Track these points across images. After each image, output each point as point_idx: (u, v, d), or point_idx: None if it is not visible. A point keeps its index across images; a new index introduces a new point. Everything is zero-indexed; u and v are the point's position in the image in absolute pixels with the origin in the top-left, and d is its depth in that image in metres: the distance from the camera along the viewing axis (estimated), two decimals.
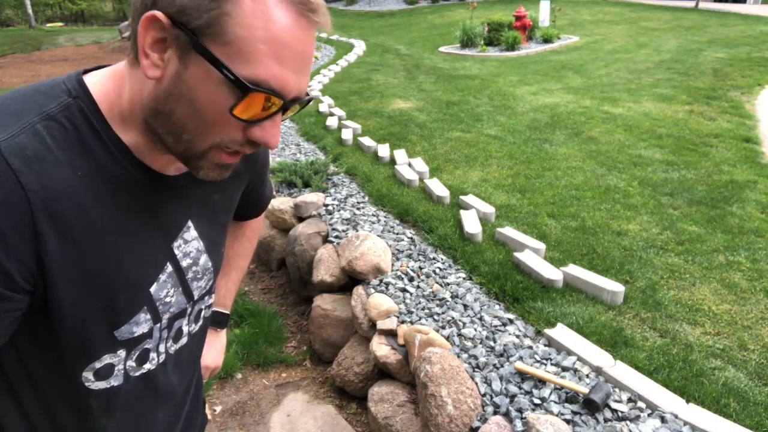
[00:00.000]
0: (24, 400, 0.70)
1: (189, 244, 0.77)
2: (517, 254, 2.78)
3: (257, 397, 2.66)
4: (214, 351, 1.17)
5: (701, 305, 2.45)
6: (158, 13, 0.56)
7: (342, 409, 2.56)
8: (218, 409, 2.58)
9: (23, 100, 0.61)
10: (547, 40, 10.90)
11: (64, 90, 0.63)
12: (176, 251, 0.75)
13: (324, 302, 2.91)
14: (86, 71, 0.67)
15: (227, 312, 1.18)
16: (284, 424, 2.47)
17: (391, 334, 2.38)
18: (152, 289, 0.72)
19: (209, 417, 2.52)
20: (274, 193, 3.95)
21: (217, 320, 1.17)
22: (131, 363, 0.74)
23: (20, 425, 0.71)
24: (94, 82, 0.65)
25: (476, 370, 2.05)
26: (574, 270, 2.62)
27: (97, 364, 0.70)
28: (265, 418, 2.52)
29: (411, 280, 2.70)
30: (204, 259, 0.81)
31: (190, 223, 0.77)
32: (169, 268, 0.74)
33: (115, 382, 0.73)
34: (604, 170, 4.17)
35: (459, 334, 2.25)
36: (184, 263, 0.76)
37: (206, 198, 0.80)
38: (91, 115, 0.62)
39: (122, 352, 0.71)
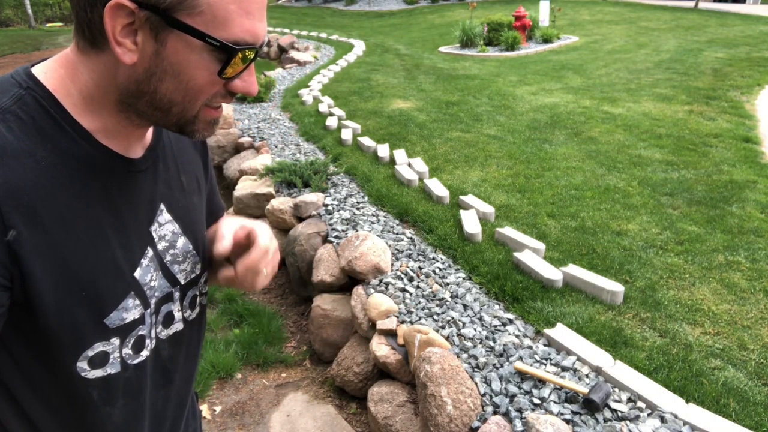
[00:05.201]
0: (23, 401, 0.69)
1: (163, 227, 0.77)
2: (516, 254, 2.78)
3: (257, 397, 2.66)
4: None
5: (701, 305, 2.45)
6: (123, 0, 0.56)
7: (342, 409, 2.56)
8: (218, 409, 2.58)
9: None
10: (546, 40, 10.89)
11: (14, 83, 0.63)
12: (154, 234, 0.75)
13: (324, 302, 2.91)
14: (33, 65, 0.67)
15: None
16: (284, 424, 2.47)
17: (390, 334, 2.38)
18: (137, 274, 0.71)
19: (209, 417, 2.52)
20: (275, 193, 3.96)
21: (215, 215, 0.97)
22: (127, 351, 0.73)
23: (22, 428, 0.70)
24: (44, 71, 0.65)
25: (476, 370, 2.05)
26: (574, 270, 2.62)
27: (90, 353, 0.69)
28: (264, 418, 2.52)
29: (411, 280, 2.70)
30: (182, 242, 0.80)
31: (162, 206, 0.77)
32: (150, 252, 0.74)
33: (111, 369, 0.72)
34: (604, 170, 4.17)
35: (459, 334, 2.25)
36: (160, 246, 0.76)
37: (172, 179, 0.80)
38: (47, 103, 0.62)
39: (116, 340, 0.71)
